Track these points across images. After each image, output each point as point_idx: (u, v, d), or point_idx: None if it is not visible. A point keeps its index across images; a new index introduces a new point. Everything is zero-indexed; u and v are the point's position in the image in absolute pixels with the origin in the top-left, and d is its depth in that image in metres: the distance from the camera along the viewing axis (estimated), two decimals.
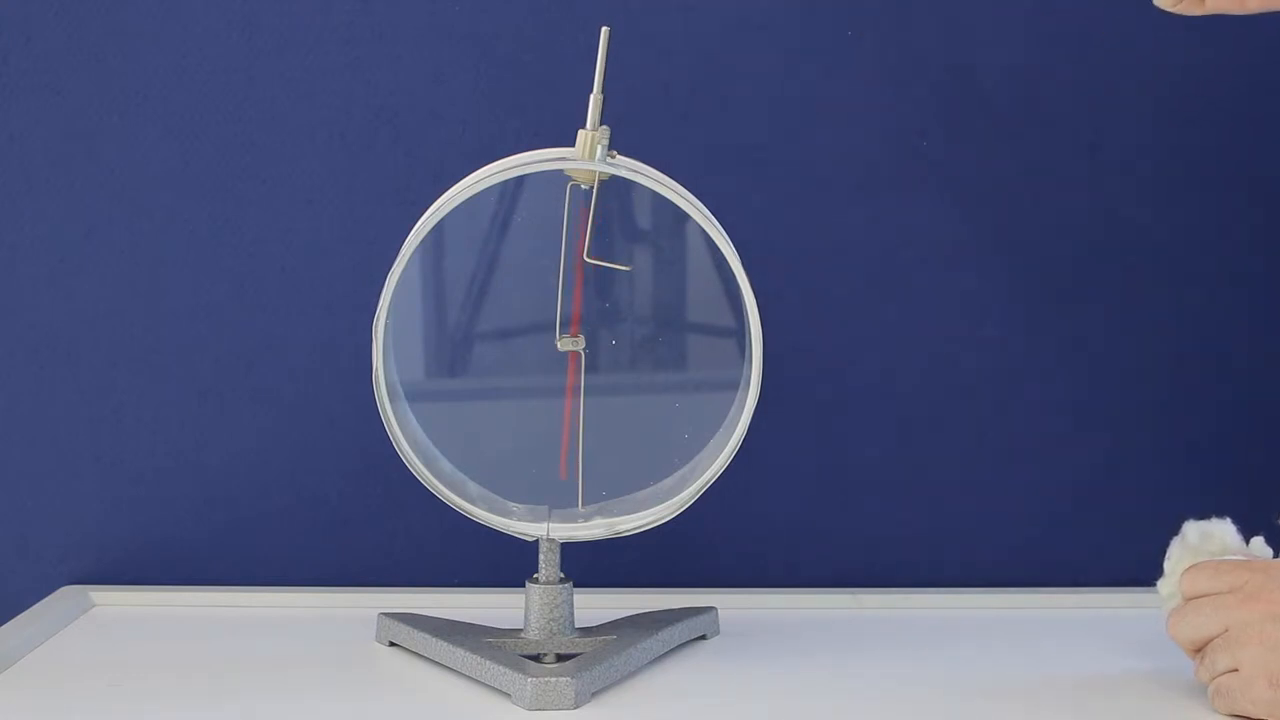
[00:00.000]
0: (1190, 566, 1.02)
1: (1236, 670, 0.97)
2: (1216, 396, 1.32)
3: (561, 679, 1.01)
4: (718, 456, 1.08)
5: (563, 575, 1.10)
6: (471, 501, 1.10)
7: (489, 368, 1.18)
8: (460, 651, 1.06)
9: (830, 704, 1.04)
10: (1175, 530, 1.06)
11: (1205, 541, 1.04)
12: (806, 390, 1.30)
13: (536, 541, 1.10)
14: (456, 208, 1.05)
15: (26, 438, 1.29)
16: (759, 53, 1.27)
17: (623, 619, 1.14)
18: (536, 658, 1.08)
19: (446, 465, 1.11)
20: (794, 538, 1.31)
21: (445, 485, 1.09)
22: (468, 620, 1.12)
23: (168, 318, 1.28)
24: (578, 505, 1.12)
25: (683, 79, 1.28)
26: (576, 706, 1.01)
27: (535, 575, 1.10)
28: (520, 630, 1.10)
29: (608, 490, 1.12)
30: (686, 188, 1.07)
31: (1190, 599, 1.01)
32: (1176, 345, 1.31)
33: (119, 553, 1.30)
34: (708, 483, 1.09)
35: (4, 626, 1.16)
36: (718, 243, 1.06)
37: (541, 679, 1.01)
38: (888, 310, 1.30)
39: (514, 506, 1.12)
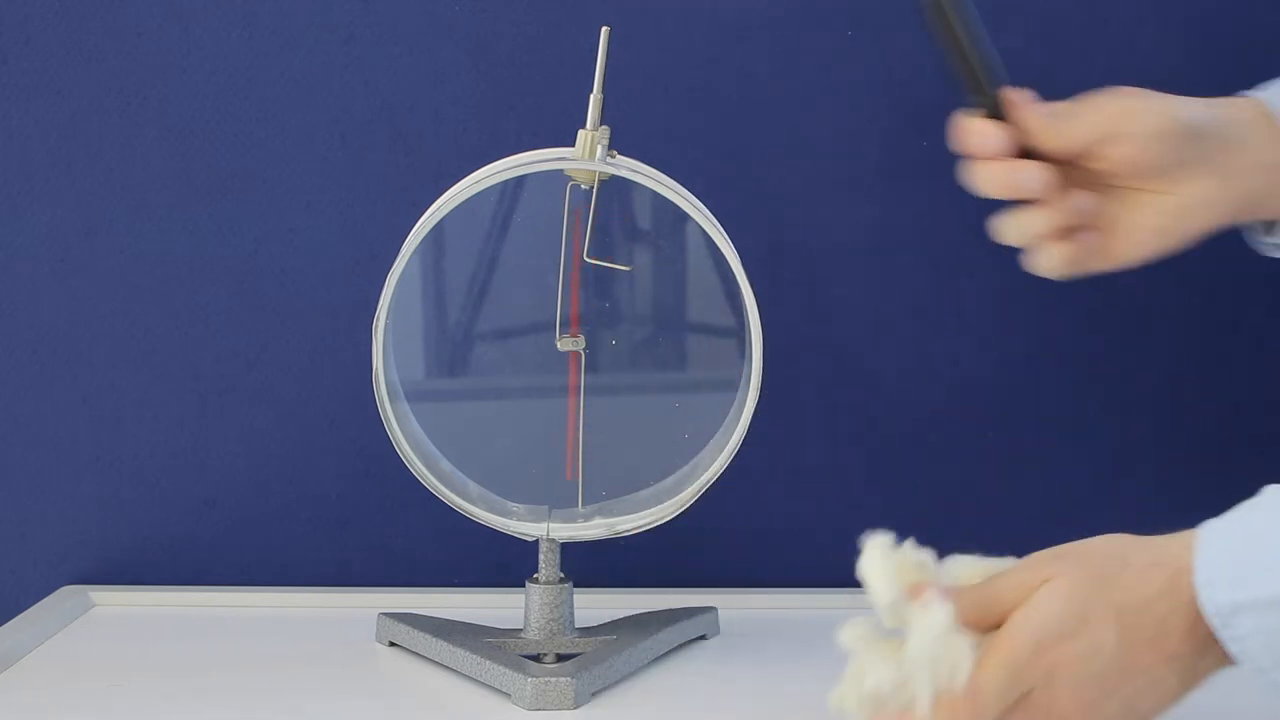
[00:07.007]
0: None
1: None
2: (1217, 396, 1.32)
3: (561, 679, 1.01)
4: (718, 456, 1.08)
5: (563, 575, 1.10)
6: (471, 501, 1.10)
7: (489, 368, 1.18)
8: (460, 651, 1.06)
9: (830, 704, 1.03)
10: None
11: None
12: (806, 390, 1.30)
13: (536, 541, 1.10)
14: (456, 208, 1.05)
15: (26, 438, 1.29)
16: (759, 53, 1.27)
17: (623, 619, 1.13)
18: (536, 658, 1.08)
19: (446, 465, 1.11)
20: (794, 538, 1.31)
21: (445, 485, 1.09)
22: (468, 620, 1.12)
23: (168, 318, 1.28)
24: (578, 505, 1.12)
25: (683, 79, 1.27)
26: (576, 706, 1.01)
27: (535, 575, 1.09)
28: (520, 630, 1.10)
29: (608, 490, 1.12)
30: (686, 188, 1.07)
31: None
32: (1177, 345, 1.31)
33: (119, 553, 1.29)
34: (708, 483, 1.09)
35: (4, 626, 1.16)
36: (718, 243, 1.06)
37: (541, 679, 1.01)
38: (888, 310, 1.29)
39: (514, 506, 1.12)
